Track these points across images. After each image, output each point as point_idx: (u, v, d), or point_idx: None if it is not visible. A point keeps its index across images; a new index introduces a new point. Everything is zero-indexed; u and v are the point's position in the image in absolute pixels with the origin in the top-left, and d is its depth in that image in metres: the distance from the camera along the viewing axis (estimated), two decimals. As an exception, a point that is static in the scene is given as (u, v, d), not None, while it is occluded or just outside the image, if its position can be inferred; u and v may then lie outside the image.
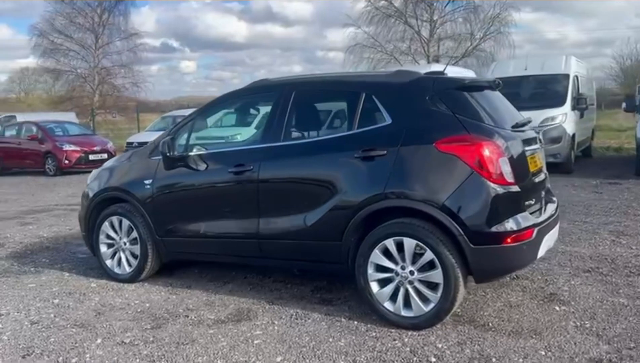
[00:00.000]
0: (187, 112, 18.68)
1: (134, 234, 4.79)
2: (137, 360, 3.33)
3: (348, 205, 3.78)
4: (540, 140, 4.10)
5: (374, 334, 3.61)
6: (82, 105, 29.30)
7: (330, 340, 3.54)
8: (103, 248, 5.01)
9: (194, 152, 4.44)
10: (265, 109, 4.47)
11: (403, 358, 3.26)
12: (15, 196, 11.46)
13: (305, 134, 4.15)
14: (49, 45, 29.48)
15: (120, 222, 4.87)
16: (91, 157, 14.94)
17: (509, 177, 3.51)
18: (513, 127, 3.87)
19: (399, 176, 3.63)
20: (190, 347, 3.49)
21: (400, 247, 3.63)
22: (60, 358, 3.39)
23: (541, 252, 3.72)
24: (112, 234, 4.94)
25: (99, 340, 3.63)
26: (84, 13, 29.88)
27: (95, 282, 4.95)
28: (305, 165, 3.99)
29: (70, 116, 24.20)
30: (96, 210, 5.03)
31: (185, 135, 4.60)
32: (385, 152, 3.69)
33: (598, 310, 3.89)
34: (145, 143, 16.63)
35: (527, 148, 3.83)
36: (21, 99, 46.05)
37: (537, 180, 3.93)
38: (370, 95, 3.89)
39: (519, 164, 3.66)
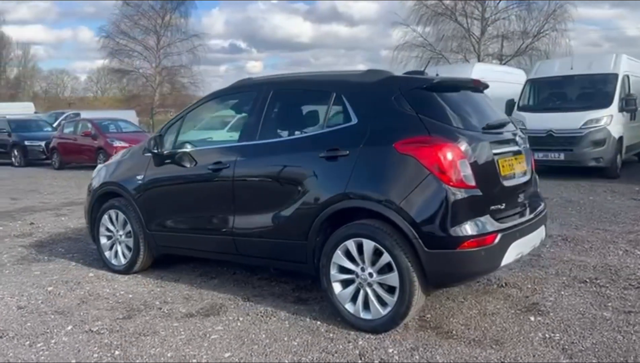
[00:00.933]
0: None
1: (128, 227, 4.98)
2: (96, 348, 3.47)
3: (312, 205, 3.77)
4: (517, 142, 3.90)
5: (331, 335, 3.58)
6: (144, 104, 30.59)
7: (286, 338, 3.55)
8: (103, 240, 5.23)
9: (179, 149, 4.56)
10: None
11: (348, 361, 3.22)
12: (63, 189, 12.14)
13: (279, 133, 4.17)
14: (115, 46, 30.97)
15: (117, 216, 5.08)
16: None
17: (469, 180, 3.39)
18: (485, 128, 3.72)
19: (359, 177, 3.58)
20: (149, 338, 3.59)
21: (360, 248, 3.58)
22: (28, 342, 3.58)
23: (508, 259, 3.55)
24: (110, 227, 5.15)
25: (69, 327, 3.81)
26: (147, 15, 31.14)
27: (93, 272, 5.18)
28: (275, 164, 4.01)
29: (131, 114, 25.28)
30: (97, 204, 5.27)
31: (174, 133, 4.74)
32: (348, 152, 3.65)
33: (575, 322, 3.68)
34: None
35: (498, 150, 3.68)
36: (97, 97, 48.88)
37: (511, 183, 3.76)
38: (340, 95, 3.85)
39: (484, 166, 3.53)
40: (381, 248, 3.48)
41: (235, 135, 4.33)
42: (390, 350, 3.33)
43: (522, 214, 3.84)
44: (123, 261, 5.06)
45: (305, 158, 3.84)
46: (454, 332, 3.59)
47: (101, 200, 5.23)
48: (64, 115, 23.58)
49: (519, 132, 4.16)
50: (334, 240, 3.67)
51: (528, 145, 4.25)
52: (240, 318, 3.90)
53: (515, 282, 4.54)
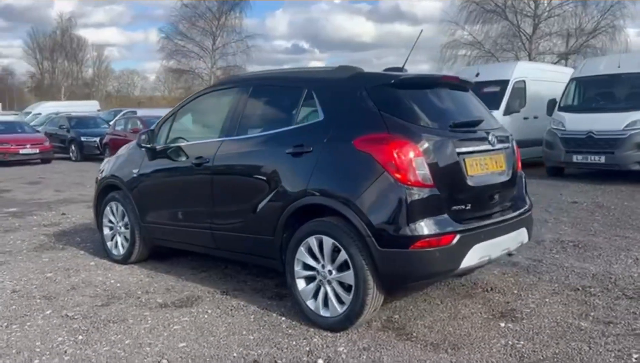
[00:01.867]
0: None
1: (126, 219, 5.17)
2: (63, 332, 3.62)
3: (278, 201, 3.78)
4: (490, 141, 3.73)
5: (290, 332, 3.58)
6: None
7: (244, 332, 3.58)
8: (105, 231, 5.45)
9: (169, 144, 4.69)
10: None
11: (294, 357, 3.21)
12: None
13: (255, 128, 4.19)
14: (173, 47, 32.05)
15: (117, 208, 5.28)
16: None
17: (425, 179, 3.29)
18: (453, 126, 3.60)
19: (320, 173, 3.56)
20: (115, 325, 3.72)
21: (321, 245, 3.56)
22: (6, 324, 3.78)
23: (470, 262, 3.42)
24: (112, 219, 5.36)
25: (48, 312, 4.00)
26: (204, 17, 32.04)
27: (95, 262, 5.40)
28: (248, 160, 4.05)
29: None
30: (101, 195, 5.49)
31: (167, 129, 4.87)
32: (311, 148, 3.63)
33: (546, 331, 3.50)
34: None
35: (466, 149, 3.55)
36: (164, 96, 50.96)
37: (481, 183, 3.62)
38: (310, 91, 3.84)
39: (446, 165, 3.41)
40: (339, 245, 3.45)
41: (217, 131, 4.40)
42: (341, 349, 3.30)
43: (492, 215, 3.69)
44: (122, 251, 5.26)
45: (275, 154, 3.85)
46: (414, 334, 3.51)
47: (105, 192, 5.45)
48: (122, 113, 24.63)
49: (500, 131, 4.00)
50: (298, 236, 3.67)
51: (512, 145, 4.08)
52: (209, 311, 3.97)
53: (502, 286, 4.37)
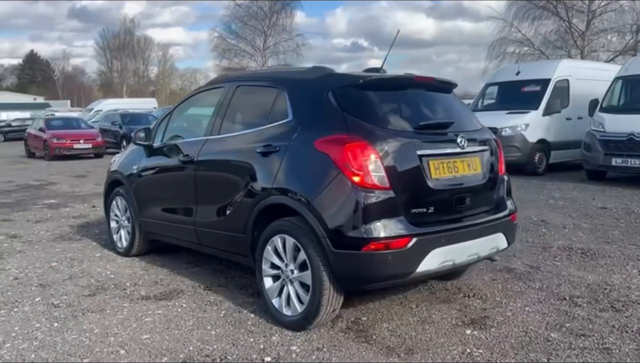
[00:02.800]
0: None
1: (128, 213, 5.38)
2: (43, 319, 3.82)
3: (248, 200, 3.83)
4: (459, 143, 3.61)
5: (253, 329, 3.63)
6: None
7: (209, 327, 3.66)
8: (112, 224, 5.69)
9: (159, 143, 4.86)
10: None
11: (245, 354, 3.25)
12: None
13: (234, 128, 4.25)
14: (226, 46, 32.76)
15: (121, 202, 5.50)
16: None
17: (380, 180, 3.25)
18: (418, 128, 3.53)
19: (284, 173, 3.59)
20: (92, 315, 3.88)
21: (285, 245, 3.59)
22: (-4, 308, 4.06)
23: (428, 267, 3.34)
24: (117, 212, 5.59)
25: (37, 299, 4.23)
26: (256, 16, 32.55)
27: (101, 253, 5.65)
28: (225, 159, 4.13)
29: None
30: (109, 190, 5.73)
31: (164, 127, 5.03)
32: (278, 148, 3.66)
33: (511, 340, 3.38)
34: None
35: (431, 151, 3.47)
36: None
37: (447, 185, 3.53)
38: (283, 91, 3.87)
39: (406, 167, 3.35)
40: (299, 245, 3.46)
41: (203, 130, 4.50)
42: (294, 348, 3.31)
43: (460, 219, 3.59)
44: (124, 244, 5.47)
45: (248, 153, 3.90)
46: (374, 337, 3.47)
47: (112, 187, 5.68)
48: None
49: (478, 133, 3.88)
50: (265, 235, 3.71)
51: (493, 148, 3.95)
52: (184, 305, 4.07)
53: (486, 292, 4.25)
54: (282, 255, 3.61)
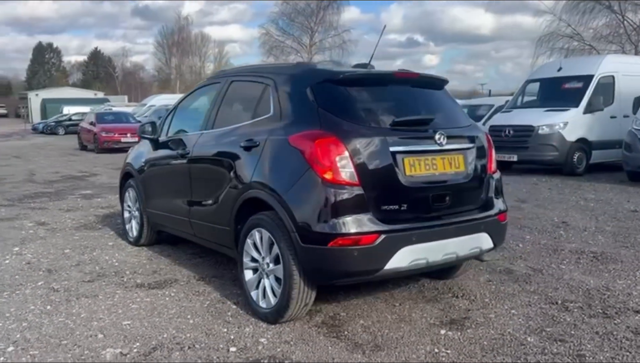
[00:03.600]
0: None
1: (137, 204, 5.58)
2: (38, 302, 4.02)
3: (231, 194, 3.90)
4: (437, 140, 3.53)
5: (230, 319, 3.69)
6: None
7: (188, 317, 3.75)
8: (125, 214, 5.91)
9: (164, 136, 5.00)
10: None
11: (213, 343, 3.32)
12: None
13: (225, 122, 4.31)
14: (273, 43, 33.13)
15: (131, 193, 5.70)
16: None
17: (349, 176, 3.24)
18: (394, 125, 3.48)
19: (261, 167, 3.63)
20: (84, 300, 4.06)
21: (262, 238, 3.64)
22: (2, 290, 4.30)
23: (397, 264, 3.29)
24: (129, 203, 5.80)
25: (40, 283, 4.46)
26: (304, 13, 32.73)
27: (114, 242, 5.88)
28: (214, 153, 4.21)
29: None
30: (123, 181, 5.95)
31: (169, 121, 5.18)
32: (258, 143, 3.71)
33: (483, 342, 3.30)
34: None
35: (406, 148, 3.41)
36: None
37: (423, 183, 3.47)
38: (268, 86, 3.91)
39: (378, 164, 3.32)
40: (273, 239, 3.50)
41: (200, 124, 4.60)
42: (262, 340, 3.36)
43: (438, 217, 3.52)
44: (135, 234, 5.68)
45: (233, 147, 3.96)
46: (346, 333, 3.47)
47: (125, 179, 5.90)
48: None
49: (464, 130, 3.80)
50: (245, 229, 3.77)
51: (481, 145, 3.85)
52: (173, 294, 4.19)
53: (476, 293, 4.15)
54: (260, 248, 3.66)
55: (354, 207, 3.25)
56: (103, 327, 3.57)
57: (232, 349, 3.24)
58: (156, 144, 5.17)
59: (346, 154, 3.25)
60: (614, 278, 4.50)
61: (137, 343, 3.33)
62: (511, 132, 11.41)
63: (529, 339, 3.34)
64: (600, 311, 3.79)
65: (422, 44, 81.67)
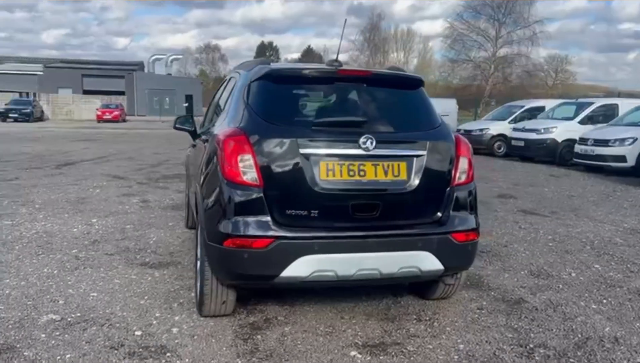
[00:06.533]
0: (530, 103, 17.73)
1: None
2: (54, 266, 4.64)
3: (197, 188, 4.03)
4: (365, 146, 3.16)
5: (173, 307, 3.81)
6: (472, 94, 30.83)
7: (145, 297, 3.98)
8: (186, 199, 6.43)
9: (200, 129, 5.34)
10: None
11: (134, 324, 3.49)
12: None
13: (215, 120, 4.42)
14: (456, 36, 31.94)
15: (187, 181, 6.20)
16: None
17: (250, 177, 3.13)
18: (316, 126, 3.23)
19: (203, 163, 3.70)
20: (87, 270, 4.56)
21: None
22: (40, 252, 5.05)
23: (297, 273, 3.08)
24: (187, 191, 6.31)
25: (73, 251, 5.12)
26: (491, 4, 30.91)
27: (174, 223, 6.44)
28: (199, 147, 4.38)
29: (451, 103, 26.17)
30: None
31: (205, 115, 5.50)
32: (208, 139, 3.78)
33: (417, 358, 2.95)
34: (470, 131, 17.12)
35: (322, 151, 3.16)
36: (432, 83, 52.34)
37: (335, 190, 3.18)
38: (235, 83, 3.94)
39: (284, 167, 3.14)
40: (198, 235, 3.57)
41: (212, 119, 4.80)
42: (174, 329, 3.45)
43: (356, 228, 3.19)
44: (184, 216, 6.18)
45: (203, 142, 4.10)
46: (260, 337, 3.38)
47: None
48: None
49: (413, 135, 3.36)
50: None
51: (436, 153, 3.36)
52: (157, 276, 4.48)
53: (441, 321, 3.67)
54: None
55: (252, 209, 3.14)
56: (70, 295, 4.00)
57: (138, 333, 3.39)
58: (194, 136, 5.52)
59: (250, 154, 3.15)
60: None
61: (77, 314, 3.67)
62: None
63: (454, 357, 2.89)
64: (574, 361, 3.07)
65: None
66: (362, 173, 3.22)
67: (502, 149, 16.87)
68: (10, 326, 3.45)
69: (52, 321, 3.54)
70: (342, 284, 3.45)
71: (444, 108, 25.57)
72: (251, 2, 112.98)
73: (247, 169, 3.15)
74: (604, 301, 4.12)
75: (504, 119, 17.49)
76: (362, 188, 3.23)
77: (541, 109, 17.20)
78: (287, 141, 3.17)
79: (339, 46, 3.70)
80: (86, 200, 7.73)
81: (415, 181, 3.30)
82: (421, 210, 3.36)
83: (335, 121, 3.33)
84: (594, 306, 4.01)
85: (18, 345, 3.18)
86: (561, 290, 4.34)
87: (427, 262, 3.29)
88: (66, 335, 3.33)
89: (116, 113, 40.01)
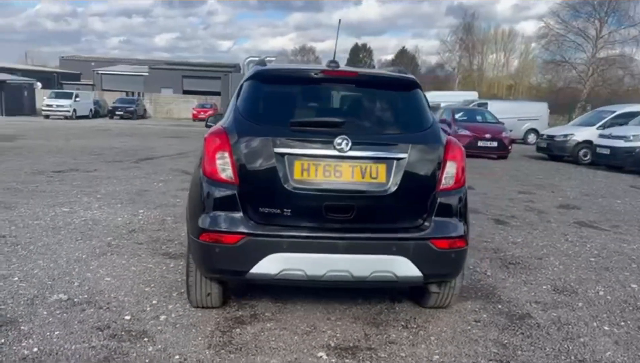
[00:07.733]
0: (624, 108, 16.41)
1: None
2: (85, 252, 4.97)
3: None
4: (340, 148, 3.12)
5: (173, 295, 4.00)
6: (568, 96, 28.97)
7: (152, 285, 4.20)
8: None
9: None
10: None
11: (128, 310, 3.70)
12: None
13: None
14: (551, 38, 30.22)
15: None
16: (480, 143, 15.74)
17: (226, 174, 3.22)
18: (295, 125, 3.24)
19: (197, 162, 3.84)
20: (111, 257, 4.87)
21: None
22: (78, 237, 5.47)
23: (266, 270, 3.12)
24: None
25: (108, 238, 5.48)
26: (591, 3, 28.94)
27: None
28: None
29: (541, 107, 24.89)
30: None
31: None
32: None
33: (338, 376, 2.92)
34: (553, 137, 16.13)
35: (298, 151, 3.17)
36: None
37: (308, 190, 3.18)
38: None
39: (259, 165, 3.19)
40: None
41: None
42: (162, 317, 3.62)
43: (329, 229, 3.17)
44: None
45: None
46: (237, 331, 3.46)
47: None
48: (473, 103, 25.19)
49: (397, 138, 3.27)
50: None
51: (414, 154, 3.25)
52: (172, 265, 4.70)
53: (429, 331, 3.56)
54: None
55: (225, 205, 3.23)
56: (86, 278, 4.31)
57: (127, 317, 3.59)
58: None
59: (227, 151, 3.24)
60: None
61: (84, 296, 3.95)
62: None
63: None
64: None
65: None
66: (337, 174, 3.20)
67: (587, 156, 15.74)
68: (22, 302, 3.78)
69: (59, 300, 3.84)
70: (313, 284, 3.44)
71: (533, 112, 24.38)
72: (348, 2, 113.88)
73: (224, 166, 3.24)
74: (622, 323, 3.79)
75: (593, 125, 16.27)
76: (337, 190, 3.21)
77: (635, 115, 15.84)
78: (263, 140, 3.22)
79: (335, 47, 3.70)
80: (145, 193, 8.22)
81: (395, 184, 3.22)
82: (400, 214, 3.27)
83: (313, 121, 3.34)
84: (606, 328, 3.70)
85: (20, 320, 3.48)
86: (578, 309, 4.04)
87: (403, 267, 3.20)
88: (64, 314, 3.60)
89: (210, 112, 41.94)
